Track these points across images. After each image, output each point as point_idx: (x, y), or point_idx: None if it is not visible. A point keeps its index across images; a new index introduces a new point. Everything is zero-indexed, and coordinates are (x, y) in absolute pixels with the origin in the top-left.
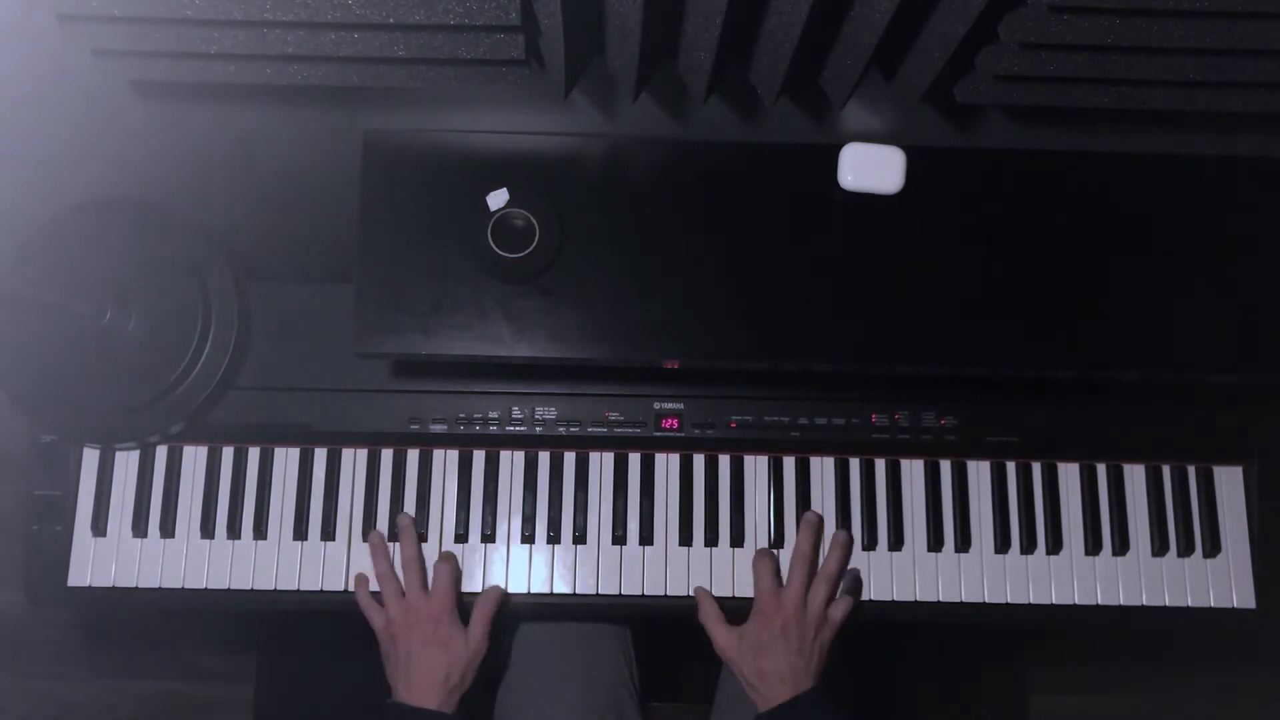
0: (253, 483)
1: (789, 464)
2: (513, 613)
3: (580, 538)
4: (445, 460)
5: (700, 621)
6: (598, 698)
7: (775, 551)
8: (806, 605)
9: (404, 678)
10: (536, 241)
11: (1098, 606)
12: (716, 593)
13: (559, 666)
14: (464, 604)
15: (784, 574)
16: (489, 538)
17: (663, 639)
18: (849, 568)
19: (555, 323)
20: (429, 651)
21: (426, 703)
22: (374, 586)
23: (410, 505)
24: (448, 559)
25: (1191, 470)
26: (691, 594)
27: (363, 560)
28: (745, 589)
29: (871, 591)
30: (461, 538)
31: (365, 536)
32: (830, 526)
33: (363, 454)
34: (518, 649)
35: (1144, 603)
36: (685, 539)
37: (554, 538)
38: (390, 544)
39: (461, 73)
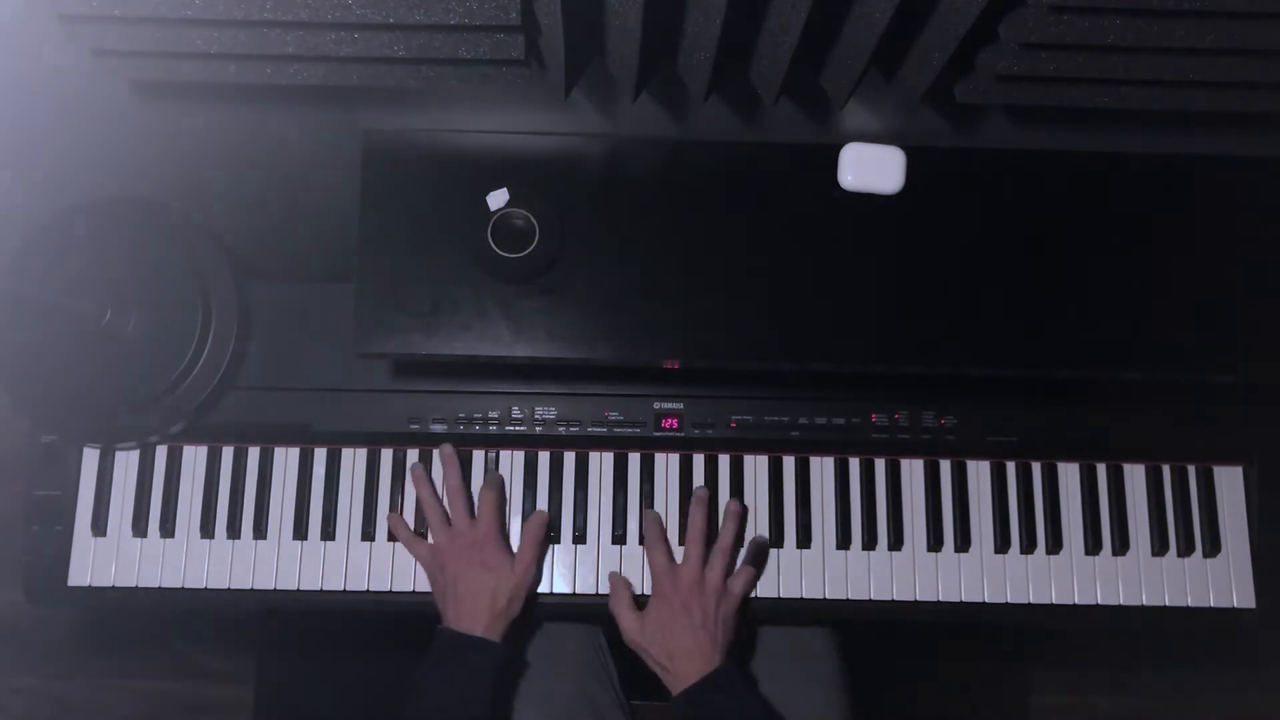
0: (253, 483)
1: (789, 464)
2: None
3: (580, 537)
4: None
5: (610, 608)
6: (564, 697)
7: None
8: (705, 580)
9: (452, 603)
10: (536, 241)
11: (1098, 606)
12: None
13: (523, 685)
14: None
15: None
16: None
17: None
18: (754, 539)
19: (555, 323)
20: (475, 575)
21: (474, 628)
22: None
23: (410, 505)
24: (493, 485)
25: (1191, 470)
26: None
27: (363, 560)
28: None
29: (872, 592)
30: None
31: (364, 536)
32: (829, 527)
33: (362, 454)
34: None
35: (1144, 603)
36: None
37: (554, 537)
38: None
39: (461, 73)
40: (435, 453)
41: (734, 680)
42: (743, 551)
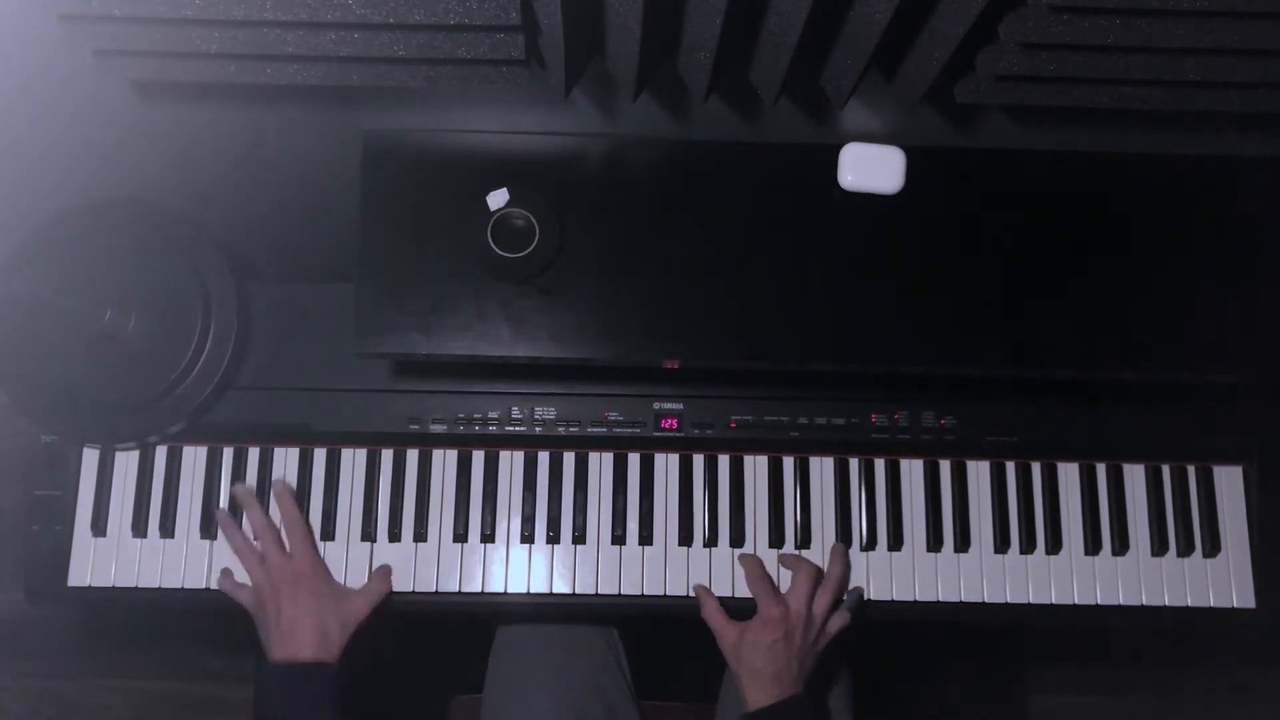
0: (252, 483)
1: (788, 464)
2: (513, 613)
3: (580, 538)
4: (445, 460)
5: (704, 618)
6: (578, 699)
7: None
8: (811, 611)
9: (277, 637)
10: (536, 241)
11: (1097, 606)
12: (717, 592)
13: (536, 669)
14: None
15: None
16: (488, 538)
17: (661, 639)
18: (856, 588)
19: (555, 323)
20: (301, 602)
21: (304, 654)
22: (236, 571)
23: (410, 505)
24: (292, 518)
25: (1191, 470)
26: (691, 594)
27: (363, 560)
28: (745, 589)
29: (871, 592)
30: (461, 538)
31: (364, 536)
32: (829, 527)
33: (362, 454)
34: (496, 652)
35: (1144, 603)
36: (685, 539)
37: (553, 538)
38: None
39: (461, 73)
40: (232, 492)
41: (806, 710)
42: (846, 596)
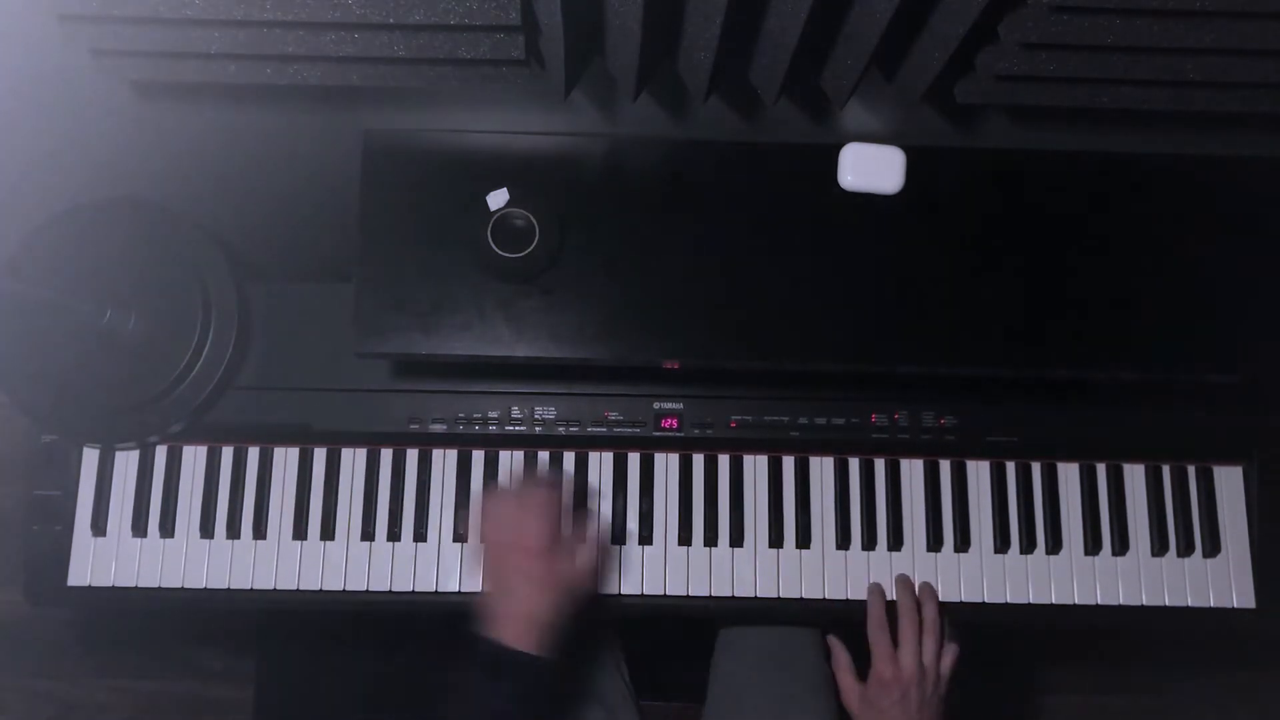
0: (252, 482)
1: (788, 464)
2: None
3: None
4: (445, 460)
5: (833, 671)
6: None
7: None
8: (923, 667)
9: (500, 612)
10: (536, 241)
11: (1097, 606)
12: (715, 593)
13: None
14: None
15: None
16: None
17: (656, 639)
18: (948, 616)
19: (555, 323)
20: (530, 589)
21: (526, 644)
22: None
23: (410, 505)
24: (553, 496)
25: (1191, 470)
26: (692, 594)
27: (363, 560)
28: (745, 589)
29: None
30: (460, 537)
31: (364, 536)
32: (829, 527)
33: (362, 454)
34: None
35: (1144, 603)
36: (684, 539)
37: None
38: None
39: (461, 73)
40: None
41: None
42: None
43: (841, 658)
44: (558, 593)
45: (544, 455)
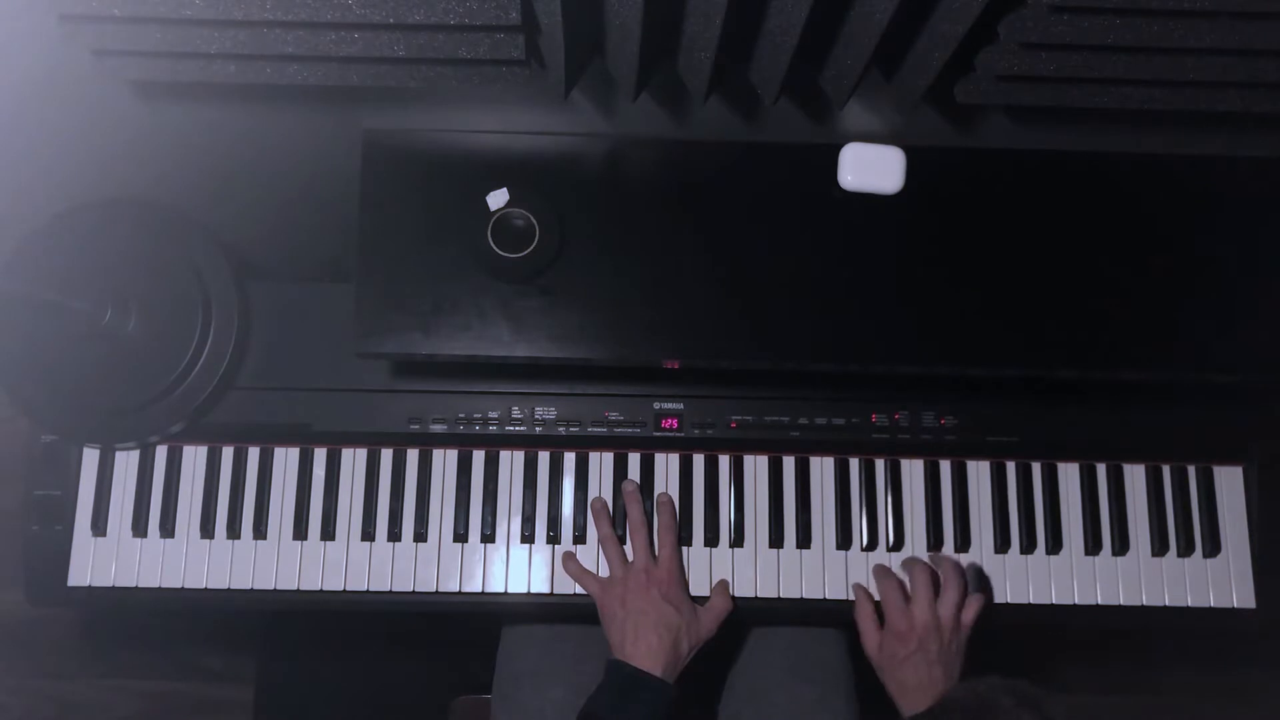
0: (252, 483)
1: (789, 464)
2: (513, 613)
3: (580, 538)
4: (445, 460)
5: (855, 619)
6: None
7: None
8: (939, 616)
9: (620, 638)
10: (536, 241)
11: (1097, 606)
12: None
13: (550, 663)
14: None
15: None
16: (489, 538)
17: None
18: (970, 565)
19: (555, 323)
20: (661, 609)
21: (654, 667)
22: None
23: (410, 505)
24: (668, 524)
25: (1191, 470)
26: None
27: (363, 560)
28: (745, 589)
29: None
30: (461, 537)
31: (364, 536)
32: (830, 527)
33: (362, 454)
34: (506, 648)
35: (1144, 603)
36: (685, 539)
37: (554, 538)
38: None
39: (461, 73)
40: (622, 487)
41: None
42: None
43: (865, 606)
44: (693, 624)
45: (544, 456)
